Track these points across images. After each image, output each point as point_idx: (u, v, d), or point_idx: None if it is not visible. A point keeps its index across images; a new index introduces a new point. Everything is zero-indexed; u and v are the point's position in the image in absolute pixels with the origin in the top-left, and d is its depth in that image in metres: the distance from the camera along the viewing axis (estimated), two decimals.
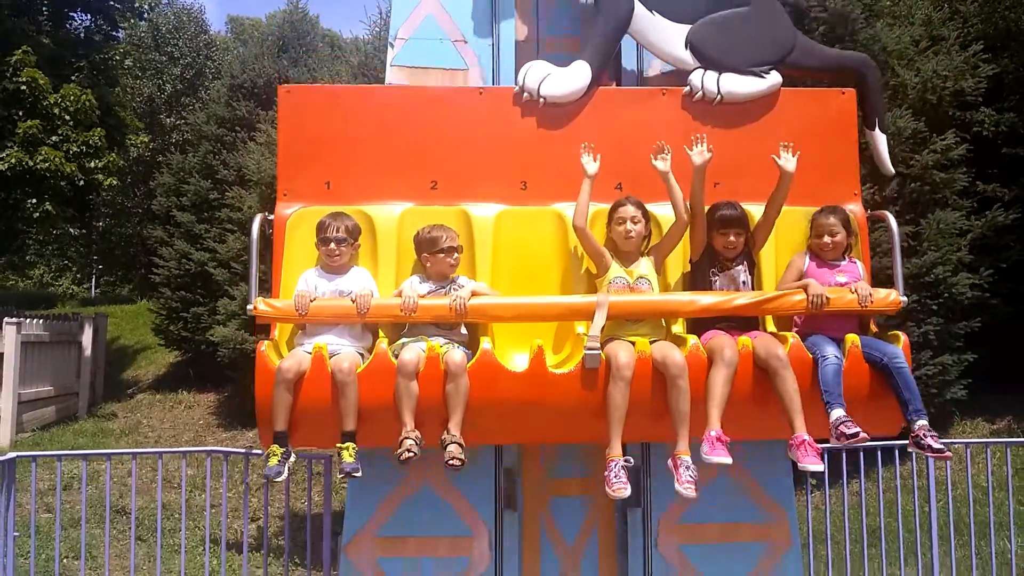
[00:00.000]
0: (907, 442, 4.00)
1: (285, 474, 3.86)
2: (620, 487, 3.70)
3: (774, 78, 4.61)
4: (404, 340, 4.07)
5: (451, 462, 3.71)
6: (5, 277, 30.52)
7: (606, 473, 3.76)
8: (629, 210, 4.18)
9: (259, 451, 5.31)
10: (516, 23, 4.98)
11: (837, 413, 3.79)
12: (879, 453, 5.61)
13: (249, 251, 4.13)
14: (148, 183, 20.70)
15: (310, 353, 3.90)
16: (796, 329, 4.22)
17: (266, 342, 4.02)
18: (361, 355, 4.01)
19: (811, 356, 3.98)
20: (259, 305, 3.96)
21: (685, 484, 3.70)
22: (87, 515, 5.29)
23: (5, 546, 4.85)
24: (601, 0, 4.58)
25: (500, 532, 4.50)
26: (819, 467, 3.73)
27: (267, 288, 4.41)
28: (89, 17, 17.28)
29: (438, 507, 4.49)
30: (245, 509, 5.53)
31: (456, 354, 3.88)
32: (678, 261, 4.44)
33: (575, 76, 4.51)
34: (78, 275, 32.58)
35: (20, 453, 5.16)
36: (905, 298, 4.15)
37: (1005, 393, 9.13)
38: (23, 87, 13.33)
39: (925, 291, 8.38)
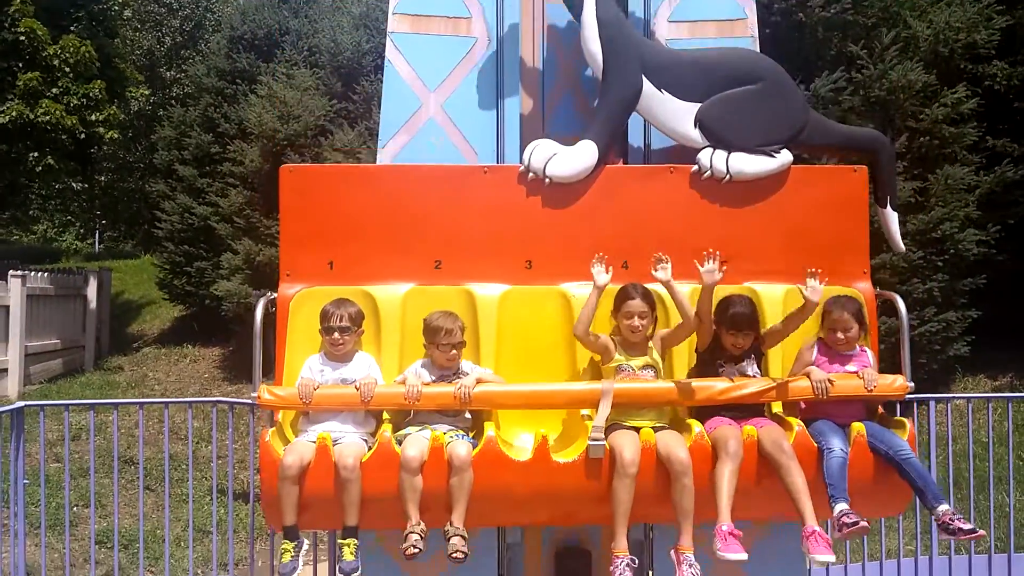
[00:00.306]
0: (939, 532, 3.96)
1: (300, 567, 3.89)
2: None
3: (785, 157, 4.50)
4: (408, 430, 4.07)
5: (454, 555, 3.73)
6: (9, 232, 30.50)
7: (611, 568, 3.77)
8: (637, 305, 4.11)
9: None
10: None
11: (840, 507, 3.79)
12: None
13: (253, 334, 4.10)
14: (149, 137, 20.58)
15: (313, 442, 3.93)
16: (801, 415, 4.19)
17: (270, 430, 4.02)
18: (365, 440, 4.03)
19: (816, 446, 3.96)
20: (264, 394, 3.96)
21: None
22: (95, 465, 5.34)
23: (16, 494, 4.92)
24: (609, 78, 4.47)
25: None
26: (830, 558, 3.77)
27: (271, 364, 4.41)
28: None
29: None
30: (251, 460, 5.58)
31: (460, 447, 3.88)
32: (683, 348, 4.36)
33: (581, 156, 4.42)
34: (81, 230, 32.59)
35: (28, 403, 5.20)
36: (911, 384, 4.10)
37: (1007, 349, 9.14)
38: (22, 37, 13.15)
39: (931, 247, 8.36)
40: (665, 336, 4.25)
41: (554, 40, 5.00)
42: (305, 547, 3.94)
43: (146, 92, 17.80)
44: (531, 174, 4.44)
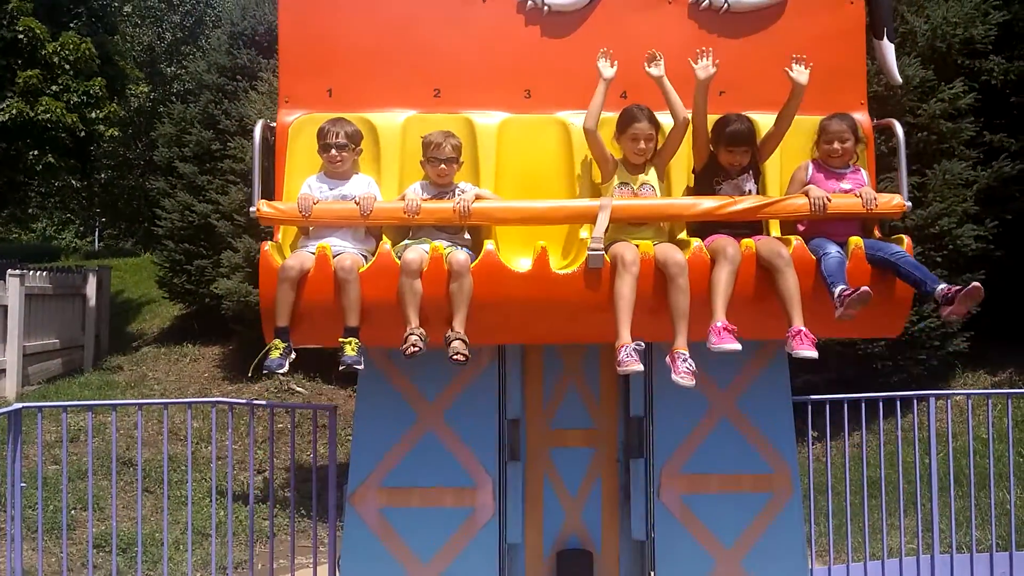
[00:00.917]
0: (941, 312, 3.97)
1: (286, 367, 3.90)
2: (631, 362, 3.73)
3: None
4: (407, 242, 4.09)
5: (455, 357, 3.76)
6: (8, 231, 30.48)
7: (618, 356, 3.78)
8: (644, 128, 4.17)
9: (264, 402, 5.35)
10: None
11: (840, 287, 3.83)
12: (880, 405, 5.63)
13: (252, 157, 4.15)
14: (149, 134, 20.54)
15: (313, 253, 3.94)
16: (799, 235, 4.22)
17: (269, 243, 4.06)
18: (364, 257, 4.05)
19: (814, 257, 4.00)
20: (262, 207, 3.98)
21: (682, 374, 3.76)
22: (93, 467, 5.34)
23: (13, 497, 4.92)
24: None
25: (504, 483, 4.55)
26: (812, 354, 3.78)
27: (270, 194, 4.42)
28: None
29: (442, 458, 4.53)
30: (251, 461, 5.58)
31: (460, 254, 3.93)
32: (681, 170, 4.44)
33: None
34: (81, 228, 32.57)
35: (26, 404, 5.20)
36: (909, 204, 4.16)
37: (1007, 345, 9.13)
38: (20, 36, 13.10)
39: (930, 243, 8.34)
40: (661, 148, 4.30)
41: None
42: (293, 355, 3.94)
43: (146, 89, 17.74)
44: (530, 2, 4.47)
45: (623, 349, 3.78)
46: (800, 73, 4.06)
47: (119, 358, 13.36)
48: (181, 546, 6.28)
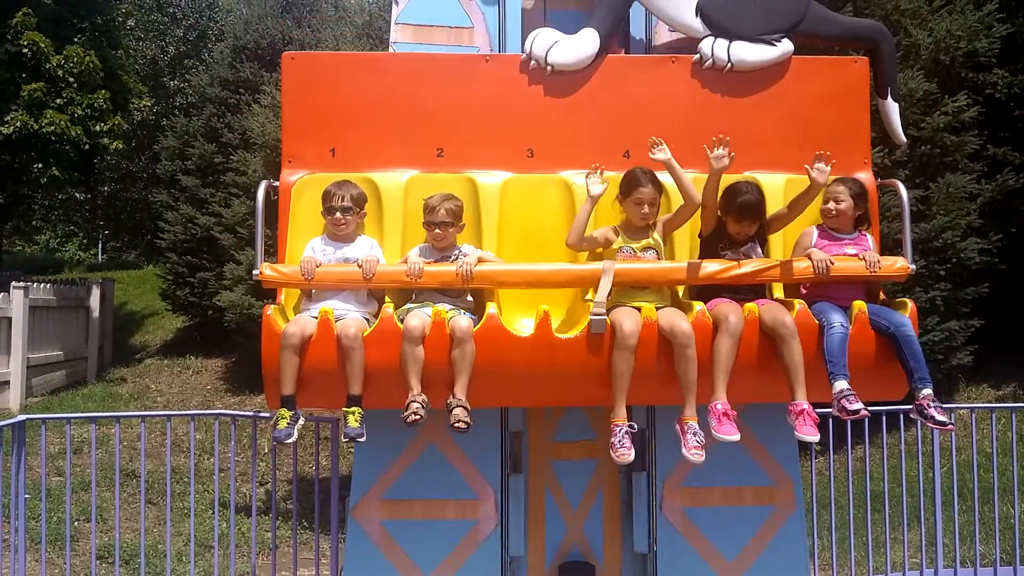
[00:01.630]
0: (911, 409, 4.02)
1: (295, 436, 3.89)
2: (624, 452, 3.75)
3: (785, 46, 4.54)
4: (410, 306, 4.08)
5: (456, 425, 3.73)
6: (12, 243, 30.59)
7: (611, 439, 3.81)
8: (648, 192, 4.13)
9: (267, 414, 5.34)
10: None
11: (840, 385, 3.81)
12: (883, 418, 5.61)
13: (255, 217, 4.15)
14: (152, 147, 20.64)
15: (316, 318, 3.92)
16: (803, 299, 4.20)
17: (272, 306, 4.04)
18: (367, 320, 4.03)
19: (817, 323, 3.97)
20: (265, 270, 3.98)
21: (693, 450, 3.76)
22: (97, 478, 5.34)
23: (17, 508, 4.91)
24: None
25: (506, 495, 4.54)
26: (815, 438, 3.78)
27: (273, 255, 4.43)
28: None
29: (444, 471, 4.51)
30: (253, 473, 5.57)
31: (462, 320, 3.90)
32: (685, 233, 4.42)
33: (583, 43, 4.45)
34: (84, 241, 32.66)
35: (30, 416, 5.21)
36: (914, 265, 4.12)
37: (1011, 359, 9.11)
38: (25, 50, 13.17)
39: (933, 256, 8.33)
40: (667, 220, 4.27)
41: None
42: (301, 422, 3.93)
43: (149, 103, 17.82)
44: (533, 62, 4.47)
45: (617, 431, 3.78)
46: (820, 172, 3.99)
47: (122, 370, 13.37)
48: (184, 558, 6.26)
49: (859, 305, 4.03)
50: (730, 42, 4.47)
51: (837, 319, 3.94)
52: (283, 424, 3.87)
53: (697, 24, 4.51)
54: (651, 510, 4.57)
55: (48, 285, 12.97)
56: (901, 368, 3.99)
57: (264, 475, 7.95)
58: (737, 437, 3.76)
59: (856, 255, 4.10)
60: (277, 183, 4.36)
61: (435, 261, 4.13)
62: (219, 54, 15.73)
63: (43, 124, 13.05)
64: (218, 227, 12.27)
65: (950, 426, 3.90)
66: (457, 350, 3.83)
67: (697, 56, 4.50)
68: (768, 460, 4.65)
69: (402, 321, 3.91)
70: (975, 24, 8.94)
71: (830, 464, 5.50)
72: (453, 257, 4.14)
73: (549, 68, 4.44)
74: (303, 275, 3.95)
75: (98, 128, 13.90)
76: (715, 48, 4.47)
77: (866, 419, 5.37)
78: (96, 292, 13.96)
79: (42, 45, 13.15)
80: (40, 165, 14.07)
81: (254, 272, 3.98)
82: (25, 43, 13.08)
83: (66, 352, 12.89)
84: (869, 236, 4.32)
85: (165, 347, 14.64)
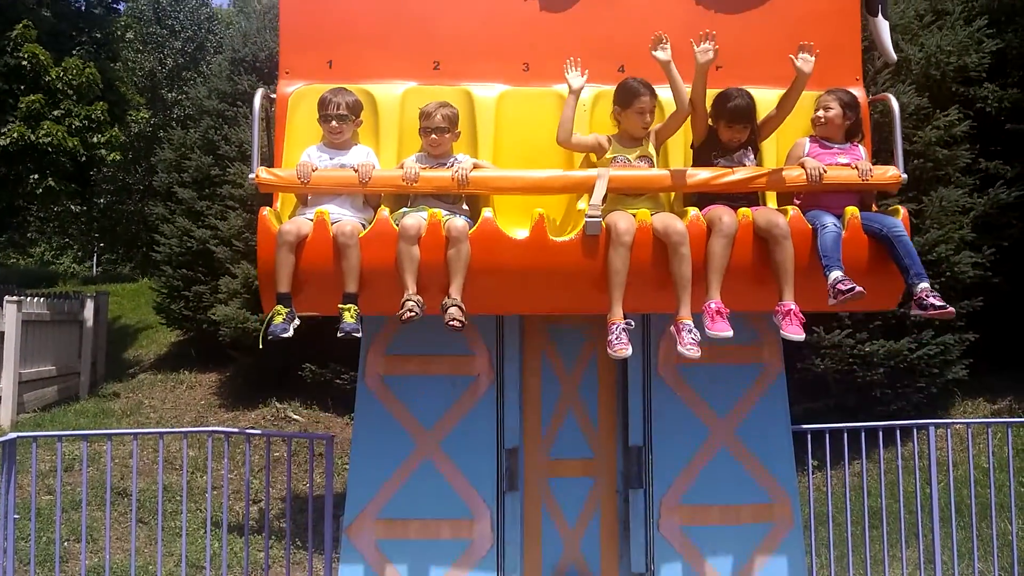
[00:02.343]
0: (911, 308, 4.01)
1: (290, 332, 3.88)
2: (621, 347, 3.76)
3: None
4: (406, 210, 4.10)
5: (451, 323, 3.74)
6: (6, 255, 30.51)
7: (608, 337, 3.80)
8: (649, 102, 4.22)
9: (258, 431, 5.31)
10: None
11: (835, 274, 3.85)
12: (880, 434, 5.60)
13: (251, 125, 4.18)
14: (149, 159, 20.61)
15: (311, 219, 3.94)
16: (797, 206, 4.24)
17: (268, 208, 4.07)
18: (363, 225, 4.05)
19: (811, 227, 4.03)
20: (261, 174, 3.99)
21: (688, 345, 3.76)
22: (88, 497, 5.29)
23: (5, 529, 4.87)
24: None
25: (502, 514, 4.51)
26: (799, 336, 3.81)
27: (271, 166, 4.43)
28: None
29: (439, 488, 4.50)
30: (247, 491, 5.53)
31: (458, 220, 3.94)
32: (679, 145, 4.48)
33: None
34: (79, 253, 32.58)
35: (21, 434, 5.16)
36: (905, 175, 4.20)
37: (1006, 373, 9.10)
38: (24, 62, 13.15)
39: (927, 270, 8.25)
40: (659, 129, 4.34)
41: None
42: (296, 321, 3.91)
43: (147, 115, 17.81)
44: None
45: (614, 328, 3.79)
46: (805, 61, 4.09)
47: (115, 385, 13.29)
48: None
49: (851, 210, 4.10)
50: None
51: (830, 220, 4.02)
52: (279, 319, 3.85)
53: None
54: (648, 528, 4.56)
55: (42, 299, 12.90)
56: (895, 270, 4.03)
57: (257, 493, 7.90)
58: (730, 333, 3.78)
59: (848, 164, 4.17)
60: (274, 95, 4.42)
61: (431, 168, 4.15)
62: (217, 67, 15.72)
63: (40, 135, 13.00)
64: (214, 240, 12.21)
65: (949, 310, 3.91)
66: (452, 250, 3.86)
67: None
68: (765, 477, 4.65)
69: (397, 223, 3.94)
70: (965, 39, 8.99)
71: (828, 480, 5.48)
72: (449, 164, 4.17)
73: None
74: (299, 179, 3.98)
75: (95, 139, 13.86)
76: None
77: (863, 435, 5.42)
78: (90, 306, 13.89)
79: (41, 57, 13.13)
80: (36, 176, 14.02)
81: (250, 176, 4.01)
82: (25, 55, 13.06)
83: (59, 367, 12.81)
84: (861, 147, 4.39)
85: (159, 361, 14.57)
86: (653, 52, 4.12)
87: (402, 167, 4.09)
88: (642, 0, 4.58)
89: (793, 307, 3.84)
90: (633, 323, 3.87)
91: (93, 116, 13.80)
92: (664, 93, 4.31)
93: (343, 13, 4.49)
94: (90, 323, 13.81)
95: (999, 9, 9.75)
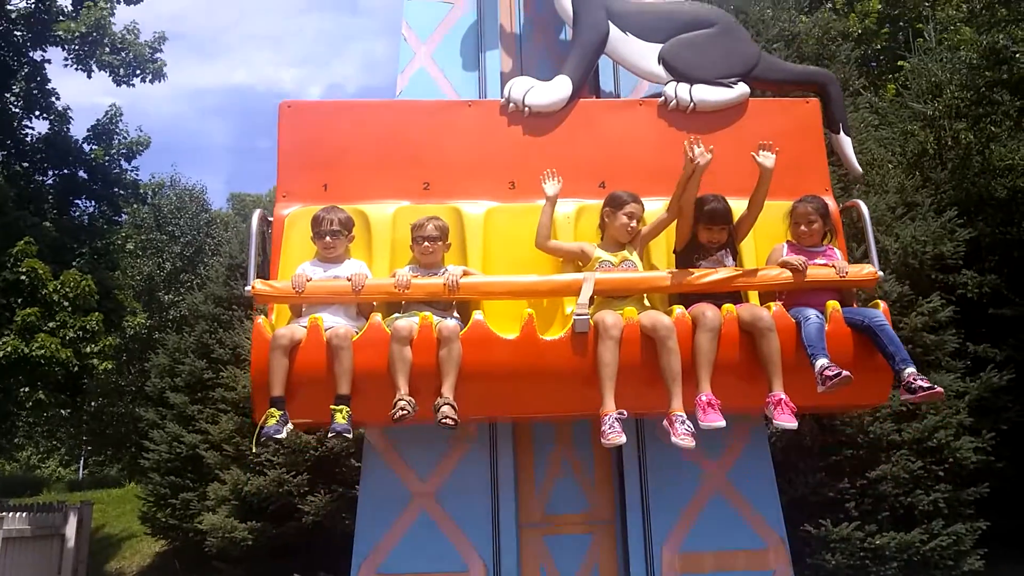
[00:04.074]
0: (901, 394, 4.03)
1: (283, 434, 3.86)
2: (614, 436, 3.76)
3: (742, 88, 4.99)
4: (397, 315, 4.17)
5: (444, 421, 3.73)
6: None
7: (602, 428, 3.81)
8: (637, 208, 4.42)
9: None
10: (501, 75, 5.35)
11: (821, 362, 3.90)
12: None
13: (247, 244, 4.35)
14: (143, 361, 20.68)
15: (305, 326, 4.02)
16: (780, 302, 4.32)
17: (262, 317, 4.14)
18: (356, 332, 4.09)
19: (794, 321, 4.11)
20: (257, 285, 4.08)
21: (682, 436, 3.78)
22: None
23: None
24: (579, 23, 5.01)
25: (498, 568, 4.45)
26: (792, 424, 3.83)
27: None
28: (93, 204, 17.72)
29: (436, 542, 4.50)
30: None
31: (449, 321, 4.04)
32: (662, 251, 4.65)
33: (558, 88, 4.87)
34: (66, 456, 31.94)
35: None
36: (881, 273, 4.38)
37: (1020, 560, 8.77)
38: (23, 277, 13.48)
39: (929, 457, 8.24)
40: (646, 232, 4.48)
41: (530, 10, 5.60)
42: (289, 426, 3.87)
43: (143, 320, 18.06)
44: (511, 105, 4.85)
45: (607, 419, 3.82)
46: (766, 158, 4.32)
47: None
48: None
49: (833, 304, 4.21)
50: (691, 85, 4.91)
51: (813, 312, 4.12)
52: (272, 421, 3.85)
53: (660, 71, 4.99)
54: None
55: (24, 514, 12.51)
56: (880, 364, 4.07)
57: None
58: (722, 423, 3.80)
59: (827, 264, 4.34)
60: (271, 218, 4.60)
61: (422, 277, 4.28)
62: (215, 271, 16.15)
63: (33, 348, 13.11)
64: (204, 445, 12.07)
65: (938, 390, 3.95)
66: (444, 350, 3.92)
67: (662, 98, 4.92)
68: (758, 521, 4.65)
69: (390, 327, 4.02)
70: (938, 229, 9.39)
71: None
72: (440, 274, 4.28)
73: (527, 110, 4.84)
74: (294, 288, 4.08)
75: (89, 349, 13.96)
76: (678, 91, 4.91)
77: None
78: (73, 520, 13.41)
79: (40, 272, 13.46)
80: (27, 388, 13.99)
81: (246, 288, 4.11)
82: (24, 270, 13.40)
83: None
84: (836, 250, 4.56)
85: (142, 574, 13.94)
86: (691, 156, 4.19)
87: (394, 276, 4.22)
88: (619, 123, 4.91)
89: (783, 397, 3.88)
90: (626, 413, 3.89)
91: (88, 327, 13.97)
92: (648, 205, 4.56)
93: (337, 140, 4.78)
94: (72, 536, 13.30)
95: (967, 200, 10.27)
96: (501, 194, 4.76)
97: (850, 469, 8.13)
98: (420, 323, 4.01)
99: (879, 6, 14.46)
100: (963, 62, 11.16)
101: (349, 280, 4.13)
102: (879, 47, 14.77)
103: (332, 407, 3.91)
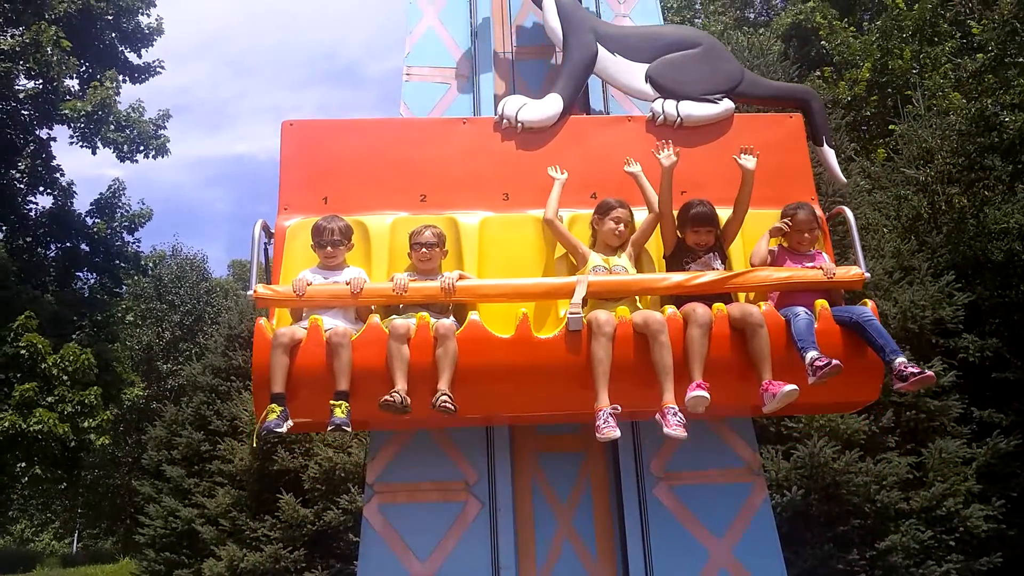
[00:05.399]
0: (894, 384, 4.06)
1: (284, 429, 3.93)
2: (608, 430, 3.84)
3: (727, 104, 5.15)
4: (395, 317, 4.26)
5: (443, 404, 3.83)
6: None
7: (596, 423, 3.88)
8: (624, 212, 4.56)
9: None
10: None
11: (811, 354, 3.98)
12: None
13: (251, 252, 4.44)
14: (140, 432, 20.49)
15: (305, 327, 4.13)
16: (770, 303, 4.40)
17: (263, 319, 4.23)
18: (355, 333, 4.17)
19: (784, 319, 4.18)
20: (259, 289, 4.19)
21: (674, 427, 3.86)
22: None
23: None
24: (569, 45, 5.22)
25: (493, 481, 4.55)
26: (790, 388, 3.91)
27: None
28: (95, 276, 17.77)
29: (433, 454, 4.61)
30: None
31: (446, 320, 4.12)
32: (653, 257, 4.76)
33: (549, 105, 5.06)
34: (60, 529, 31.40)
35: None
36: (868, 274, 4.47)
37: None
38: (23, 351, 13.43)
39: (939, 526, 8.09)
40: (635, 238, 4.60)
41: (523, 36, 5.83)
42: (290, 422, 3.93)
43: (141, 392, 17.94)
44: (505, 121, 5.01)
45: (601, 413, 3.90)
46: (747, 160, 4.50)
47: None
48: None
49: (821, 302, 4.29)
50: (678, 101, 5.08)
51: (802, 310, 4.21)
52: (273, 416, 3.92)
53: (647, 89, 5.18)
54: (641, 493, 4.60)
55: None
56: (870, 361, 4.12)
57: None
58: (707, 396, 3.90)
59: (815, 266, 4.46)
60: (273, 229, 4.71)
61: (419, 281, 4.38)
62: (214, 342, 16.09)
63: (31, 423, 13.00)
64: (200, 519, 11.88)
65: (929, 374, 3.98)
66: (440, 348, 4.01)
67: (650, 114, 5.09)
68: (739, 444, 4.79)
69: (388, 328, 4.11)
70: (936, 293, 9.36)
71: None
72: (436, 279, 4.37)
73: (520, 125, 5.01)
74: (295, 292, 4.19)
75: (86, 424, 13.83)
76: (665, 106, 5.08)
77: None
78: None
79: (40, 346, 13.43)
80: (24, 464, 13.81)
81: (248, 293, 4.23)
82: (23, 344, 13.35)
83: None
84: (825, 254, 4.69)
85: None
86: (625, 168, 4.59)
87: (392, 280, 4.31)
88: (610, 137, 5.05)
89: (773, 384, 3.99)
90: (620, 408, 3.94)
91: (87, 401, 13.88)
92: (637, 214, 4.69)
93: (337, 155, 4.93)
94: None
95: (964, 263, 10.27)
96: (495, 205, 4.92)
97: (858, 540, 7.98)
98: (417, 323, 4.13)
99: (868, 75, 14.71)
100: (953, 128, 11.31)
101: (348, 284, 4.26)
102: (868, 113, 14.98)
103: (331, 402, 4.01)
